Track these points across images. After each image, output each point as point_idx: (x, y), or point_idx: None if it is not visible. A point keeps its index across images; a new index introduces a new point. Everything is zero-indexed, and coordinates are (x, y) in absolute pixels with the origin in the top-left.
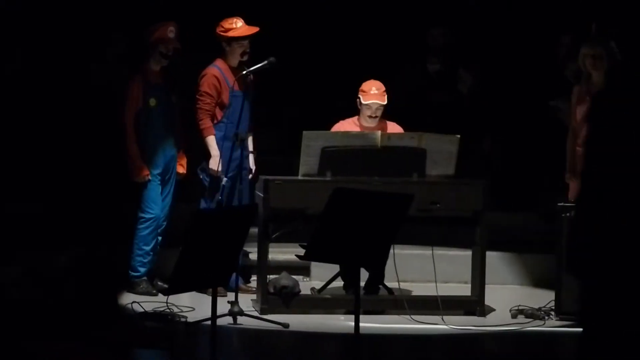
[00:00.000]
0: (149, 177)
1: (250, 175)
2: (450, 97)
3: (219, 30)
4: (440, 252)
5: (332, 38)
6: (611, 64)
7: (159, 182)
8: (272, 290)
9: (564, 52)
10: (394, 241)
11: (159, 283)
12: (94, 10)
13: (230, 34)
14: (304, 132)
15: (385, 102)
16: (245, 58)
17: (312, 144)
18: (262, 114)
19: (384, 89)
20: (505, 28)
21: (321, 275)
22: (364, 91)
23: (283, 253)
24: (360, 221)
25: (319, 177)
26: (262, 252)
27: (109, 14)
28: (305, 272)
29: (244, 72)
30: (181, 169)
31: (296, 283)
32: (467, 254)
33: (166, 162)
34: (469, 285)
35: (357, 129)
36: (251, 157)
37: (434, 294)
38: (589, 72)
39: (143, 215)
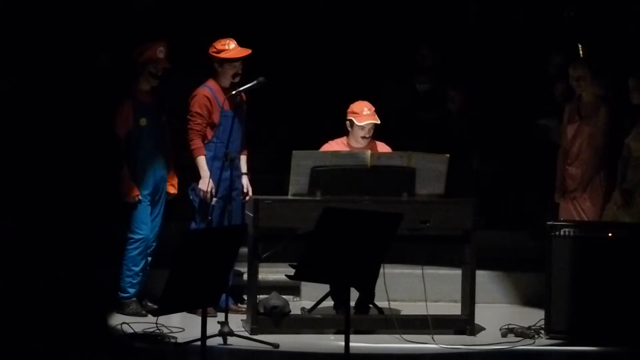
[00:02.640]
0: (139, 198)
1: (247, 198)
2: (439, 115)
3: (211, 51)
4: (430, 271)
5: (321, 58)
6: (600, 84)
7: (149, 203)
8: (262, 310)
9: (554, 72)
10: (383, 260)
11: (149, 304)
12: (82, 30)
13: (223, 55)
14: (294, 152)
15: (379, 122)
16: (237, 79)
17: (301, 163)
18: (251, 134)
19: (374, 108)
20: (494, 47)
21: (311, 295)
22: (355, 113)
23: (273, 273)
24: (350, 241)
25: (308, 196)
26: (252, 272)
27: (97, 34)
28: (296, 291)
29: (234, 92)
30: (172, 189)
31: (286, 303)
32: (457, 272)
33: (156, 183)
34: (459, 304)
35: (347, 149)
36: (245, 179)
37: (424, 313)
38: (578, 92)
39: (132, 235)
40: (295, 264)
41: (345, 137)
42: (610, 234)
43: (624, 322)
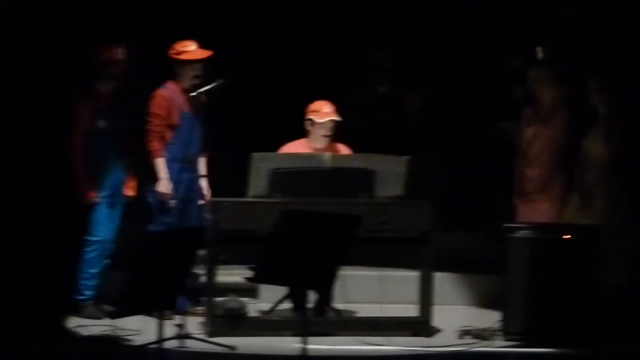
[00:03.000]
0: (97, 200)
1: (202, 202)
2: (398, 118)
3: (171, 52)
4: (388, 273)
5: (281, 59)
6: (559, 87)
7: (107, 205)
8: (219, 312)
9: (512, 75)
10: (342, 262)
11: (106, 306)
12: (40, 32)
13: (183, 57)
14: (253, 154)
15: (340, 119)
16: (197, 81)
17: (261, 165)
18: (210, 135)
19: (334, 107)
20: (453, 50)
21: (269, 297)
22: (315, 111)
23: (231, 275)
24: (308, 242)
25: (268, 198)
26: (210, 275)
27: (56, 36)
28: (253, 294)
29: (193, 94)
30: (130, 192)
31: (244, 305)
32: (415, 274)
33: (114, 185)
34: (417, 306)
35: (306, 151)
36: (203, 181)
37: (382, 315)
38: (537, 95)
39: (90, 238)
40: (253, 266)
41: (305, 139)
42: (567, 236)
43: (581, 324)
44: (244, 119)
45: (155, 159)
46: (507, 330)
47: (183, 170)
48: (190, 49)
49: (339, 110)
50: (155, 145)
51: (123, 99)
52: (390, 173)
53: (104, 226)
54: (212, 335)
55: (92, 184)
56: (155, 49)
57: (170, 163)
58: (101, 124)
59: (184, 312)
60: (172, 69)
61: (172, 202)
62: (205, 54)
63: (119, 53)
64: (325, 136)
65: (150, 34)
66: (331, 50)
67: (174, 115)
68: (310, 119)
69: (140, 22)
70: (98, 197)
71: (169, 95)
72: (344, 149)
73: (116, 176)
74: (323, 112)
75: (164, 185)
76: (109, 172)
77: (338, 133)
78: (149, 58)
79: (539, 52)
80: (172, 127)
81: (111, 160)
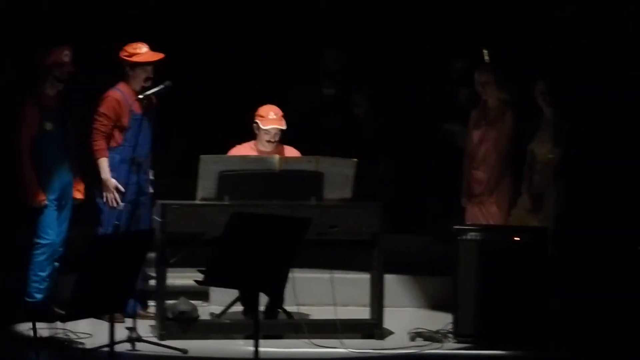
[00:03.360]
0: (45, 202)
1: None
2: (345, 120)
3: (122, 54)
4: (338, 275)
5: (228, 61)
6: (505, 90)
7: (56, 208)
8: (170, 315)
9: (457, 77)
10: (292, 265)
11: (56, 309)
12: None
13: (134, 59)
14: (202, 156)
15: (284, 127)
16: (148, 83)
17: (209, 167)
18: (158, 137)
19: (281, 113)
20: (399, 52)
21: (220, 300)
22: (261, 116)
23: (181, 278)
24: (258, 245)
25: (217, 201)
26: (160, 277)
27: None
28: (204, 297)
29: (141, 96)
30: (78, 194)
31: (195, 308)
32: (366, 277)
33: (62, 187)
34: (368, 309)
35: (255, 154)
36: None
37: (333, 317)
38: (483, 97)
39: (39, 241)
40: (203, 269)
41: (253, 141)
42: (516, 238)
43: (530, 326)
44: (191, 121)
45: (98, 159)
46: (457, 332)
47: (132, 172)
48: (142, 51)
49: (285, 113)
50: (99, 144)
51: (69, 101)
52: (339, 175)
53: (52, 229)
54: (163, 338)
55: (40, 187)
56: (100, 50)
57: (119, 165)
58: (48, 126)
59: (135, 315)
60: (123, 70)
61: (121, 205)
62: (157, 56)
63: (65, 55)
64: (270, 142)
65: (95, 35)
66: (278, 51)
67: (124, 117)
68: (257, 123)
69: (84, 23)
70: (47, 200)
71: (120, 97)
72: (292, 152)
73: (64, 179)
74: (268, 119)
75: (107, 186)
76: (57, 175)
77: (286, 135)
78: (95, 59)
79: (485, 55)
80: (121, 128)
81: (59, 162)
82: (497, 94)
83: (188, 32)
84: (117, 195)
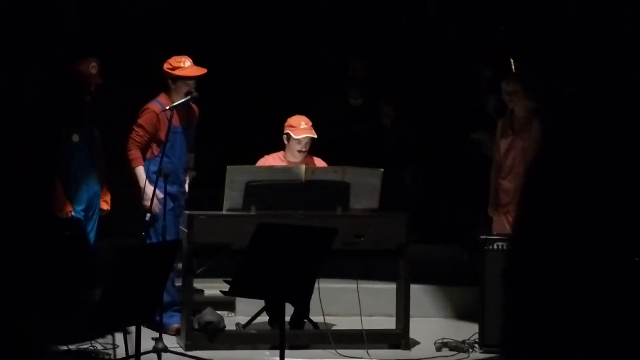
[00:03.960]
0: (72, 214)
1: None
2: (372, 130)
3: (166, 67)
4: (364, 285)
5: (255, 72)
6: (532, 99)
7: (82, 219)
8: (196, 326)
9: (485, 86)
10: (318, 275)
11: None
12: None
13: (177, 72)
14: (228, 167)
15: (315, 136)
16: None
17: (236, 178)
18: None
19: (310, 123)
20: (426, 61)
21: (246, 311)
22: (292, 126)
23: (208, 288)
24: (284, 255)
25: (243, 211)
26: (187, 288)
27: (27, 49)
28: (230, 307)
29: (167, 108)
30: (105, 206)
31: (221, 318)
32: (392, 287)
33: (89, 198)
34: (394, 319)
35: (283, 164)
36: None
37: (359, 327)
38: (511, 107)
39: None
40: (229, 279)
41: (281, 152)
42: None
43: (557, 335)
44: (218, 132)
45: (134, 168)
46: (484, 343)
47: (164, 183)
48: (185, 66)
49: (315, 124)
50: (133, 154)
51: (97, 112)
52: (365, 185)
53: None
54: (189, 348)
55: (67, 198)
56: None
57: (152, 176)
58: (75, 137)
59: (161, 326)
60: (165, 82)
61: (147, 216)
62: (200, 71)
63: (92, 67)
64: (301, 151)
65: (125, 46)
66: (305, 61)
67: (162, 130)
68: (287, 134)
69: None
70: (74, 211)
71: (159, 110)
72: (319, 162)
73: (91, 190)
74: (300, 129)
75: (146, 193)
76: (84, 186)
77: (313, 145)
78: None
79: (512, 64)
80: (159, 142)
81: (86, 173)
82: (524, 103)
83: (216, 44)
84: (156, 203)
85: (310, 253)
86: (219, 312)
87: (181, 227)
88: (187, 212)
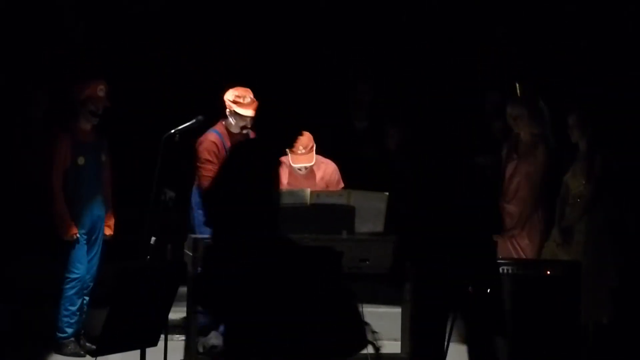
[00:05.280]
0: (77, 236)
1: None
2: (377, 153)
3: (226, 97)
4: (369, 309)
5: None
6: (537, 123)
7: (85, 242)
8: (201, 349)
9: (491, 109)
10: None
11: (87, 344)
12: (15, 68)
13: (237, 107)
14: None
15: (312, 162)
16: (245, 132)
17: None
18: (186, 172)
19: (311, 144)
20: (431, 84)
21: None
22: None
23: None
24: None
25: None
26: (192, 311)
27: (30, 72)
28: None
29: (172, 131)
30: (108, 231)
31: None
32: (397, 310)
33: (93, 222)
34: (399, 343)
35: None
36: None
37: (364, 351)
38: (515, 131)
39: (69, 275)
40: None
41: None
42: (548, 272)
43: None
44: None
45: None
46: None
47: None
48: (245, 102)
49: (320, 146)
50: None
51: (102, 136)
52: (370, 209)
53: (82, 263)
54: None
55: (72, 221)
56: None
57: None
58: (81, 160)
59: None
60: (223, 110)
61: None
62: (254, 107)
63: (100, 90)
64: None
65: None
66: (311, 85)
67: (222, 157)
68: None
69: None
70: (78, 234)
71: (216, 138)
72: (329, 166)
73: (95, 213)
74: (298, 155)
75: None
76: (88, 209)
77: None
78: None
79: (517, 89)
80: None
81: (90, 197)
82: (529, 127)
83: (221, 66)
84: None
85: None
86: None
87: (186, 251)
88: (192, 235)
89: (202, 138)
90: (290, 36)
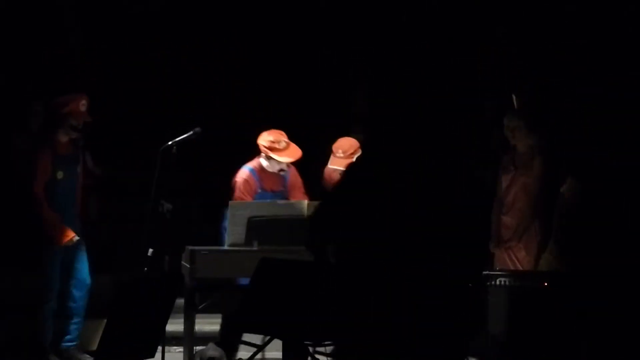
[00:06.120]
0: (76, 238)
1: None
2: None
3: (261, 142)
4: None
5: (255, 106)
6: (535, 135)
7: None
8: None
9: (489, 117)
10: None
11: (87, 355)
12: (16, 80)
13: (273, 154)
14: (230, 202)
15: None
16: (283, 173)
17: (238, 213)
18: (187, 184)
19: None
20: (431, 84)
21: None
22: (273, 148)
23: (210, 324)
24: (287, 291)
25: (245, 246)
26: (189, 323)
27: (30, 84)
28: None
29: (169, 143)
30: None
31: (223, 354)
32: None
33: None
34: None
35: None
36: None
37: None
38: (513, 143)
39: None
40: (232, 315)
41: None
42: (545, 284)
43: None
44: (221, 167)
45: None
46: None
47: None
48: (280, 147)
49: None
50: None
51: (78, 148)
52: None
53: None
54: None
55: (66, 225)
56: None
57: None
58: (59, 175)
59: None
60: (258, 149)
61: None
62: (295, 156)
63: (82, 104)
64: (283, 170)
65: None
66: (309, 98)
67: (252, 196)
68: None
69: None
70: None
71: (249, 176)
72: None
73: (72, 227)
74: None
75: None
76: (66, 222)
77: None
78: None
79: (514, 100)
80: None
81: (66, 210)
82: (526, 139)
83: (216, 74)
84: None
85: (312, 288)
86: (221, 347)
87: (183, 262)
88: (189, 247)
89: (236, 175)
90: (290, 36)
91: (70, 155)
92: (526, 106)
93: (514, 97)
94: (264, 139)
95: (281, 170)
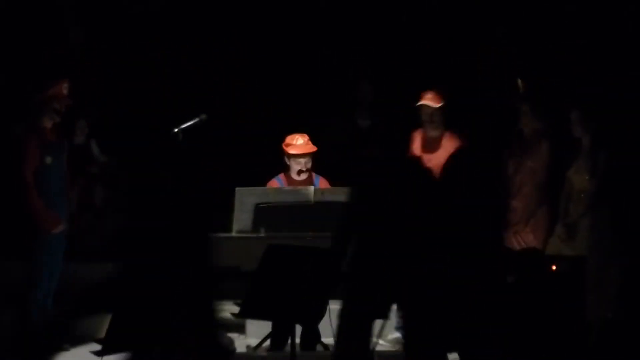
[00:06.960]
0: (64, 225)
1: None
2: (381, 152)
3: (283, 143)
4: None
5: (261, 94)
6: (540, 119)
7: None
8: None
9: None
10: (329, 296)
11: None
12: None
13: (289, 149)
14: (237, 189)
15: (315, 149)
16: (301, 176)
17: (245, 200)
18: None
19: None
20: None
21: (257, 333)
22: (289, 144)
23: (218, 311)
24: (294, 277)
25: (252, 233)
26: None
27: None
28: (241, 329)
29: (175, 130)
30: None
31: (231, 341)
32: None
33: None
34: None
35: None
36: None
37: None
38: (520, 127)
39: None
40: (239, 301)
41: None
42: (553, 267)
43: (567, 356)
44: (226, 155)
45: None
46: None
47: None
48: (296, 143)
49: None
50: None
51: (63, 136)
52: None
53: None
54: None
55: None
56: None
57: None
58: (48, 160)
59: None
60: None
61: None
62: (310, 149)
63: (64, 88)
64: (302, 171)
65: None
66: (312, 83)
67: None
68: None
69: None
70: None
71: (276, 185)
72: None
73: (62, 213)
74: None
75: None
76: (55, 208)
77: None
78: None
79: (520, 85)
80: None
81: (57, 195)
82: (532, 124)
83: (222, 64)
84: None
85: (320, 275)
86: (229, 334)
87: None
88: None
89: (267, 185)
90: (290, 36)
91: (56, 142)
92: (532, 90)
93: (519, 81)
94: (285, 140)
95: (300, 172)
